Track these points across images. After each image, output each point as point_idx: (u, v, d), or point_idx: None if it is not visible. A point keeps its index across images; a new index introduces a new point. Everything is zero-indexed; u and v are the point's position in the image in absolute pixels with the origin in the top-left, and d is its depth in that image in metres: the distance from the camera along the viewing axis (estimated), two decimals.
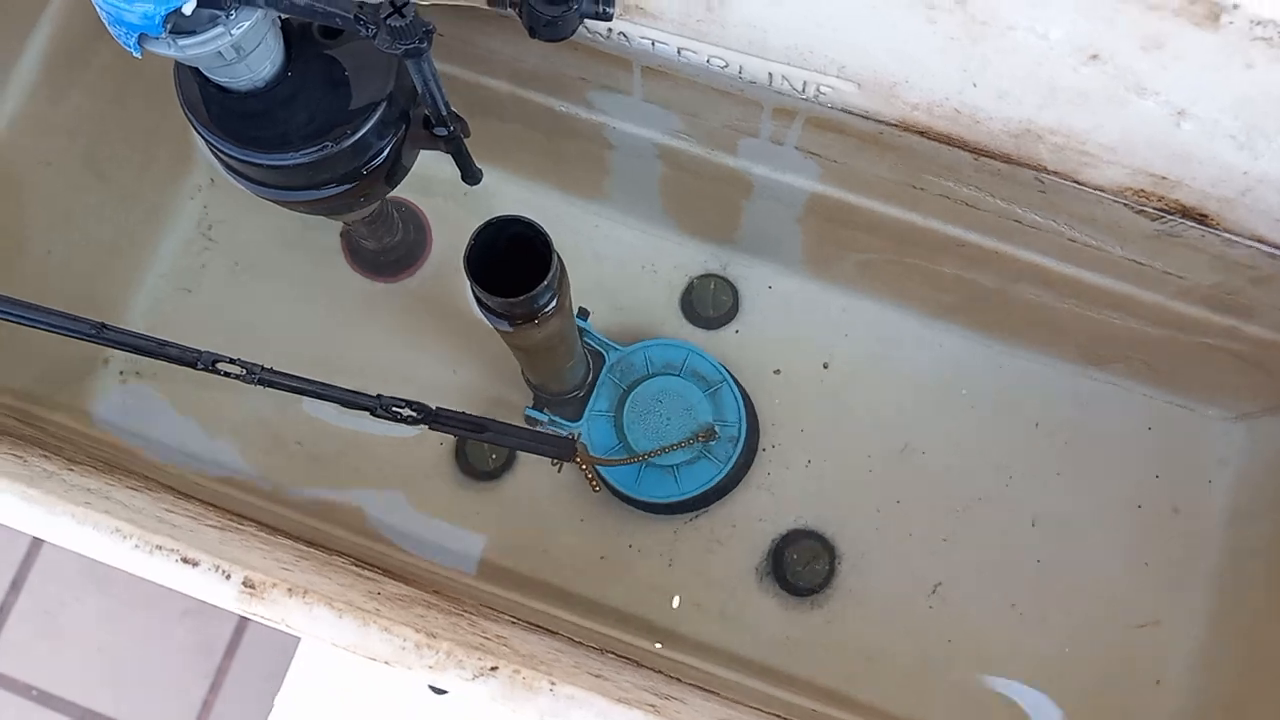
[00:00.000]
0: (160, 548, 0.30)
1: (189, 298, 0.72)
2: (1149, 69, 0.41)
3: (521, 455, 0.71)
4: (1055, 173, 0.49)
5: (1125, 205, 0.49)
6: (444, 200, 0.73)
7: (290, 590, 0.31)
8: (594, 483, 0.61)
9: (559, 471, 0.68)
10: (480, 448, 0.70)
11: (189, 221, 0.73)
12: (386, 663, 0.31)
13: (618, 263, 0.73)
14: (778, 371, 0.72)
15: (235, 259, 0.73)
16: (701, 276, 0.73)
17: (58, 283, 0.65)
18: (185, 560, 0.30)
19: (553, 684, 0.31)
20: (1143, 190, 0.48)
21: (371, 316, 0.72)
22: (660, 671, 0.53)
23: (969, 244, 0.59)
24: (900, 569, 0.68)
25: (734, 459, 0.68)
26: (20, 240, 0.62)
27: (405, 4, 0.40)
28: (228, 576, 0.30)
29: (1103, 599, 0.67)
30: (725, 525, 0.70)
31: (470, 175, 0.55)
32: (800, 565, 0.69)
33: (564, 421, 0.67)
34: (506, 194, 0.73)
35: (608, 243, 0.73)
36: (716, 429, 0.67)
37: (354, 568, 0.44)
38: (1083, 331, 0.64)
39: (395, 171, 0.52)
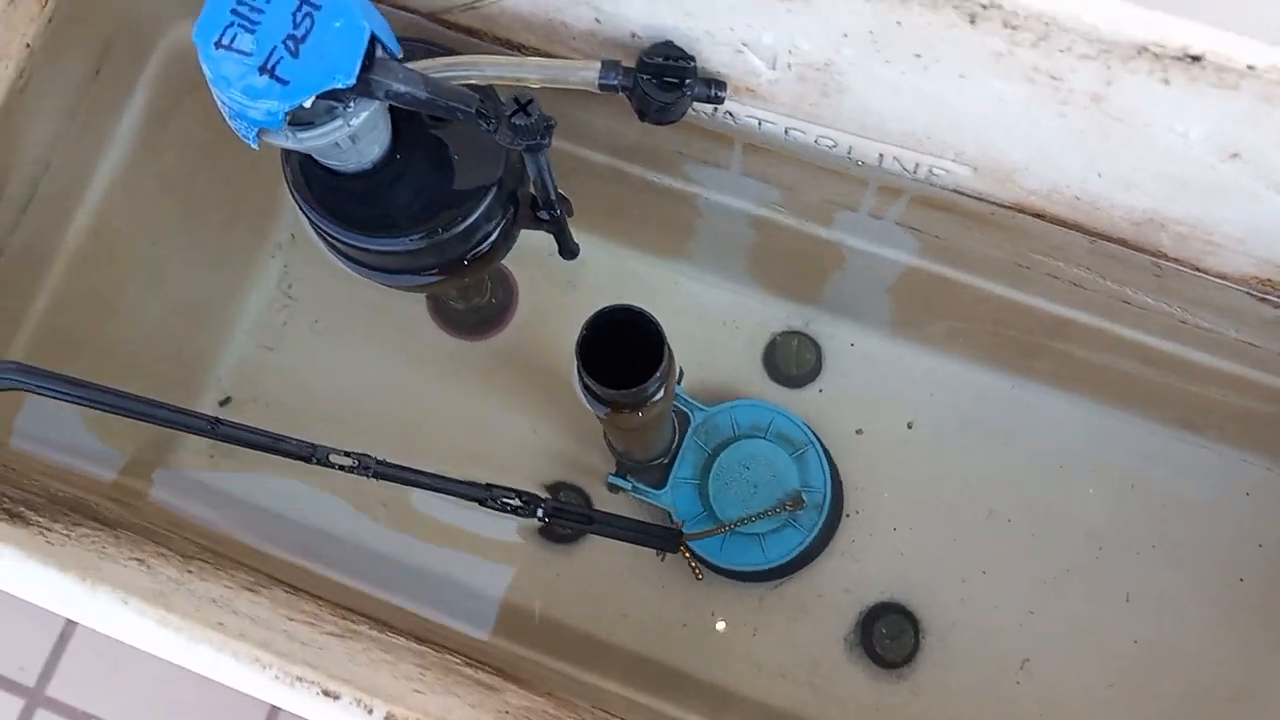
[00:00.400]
0: (300, 679, 0.30)
1: (271, 355, 0.72)
2: None
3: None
4: (1175, 259, 0.48)
5: (1248, 293, 0.48)
6: (531, 259, 0.72)
7: None
8: (697, 571, 0.60)
9: (662, 561, 0.67)
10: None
11: (270, 279, 0.73)
12: None
13: (698, 319, 0.72)
14: (860, 431, 0.70)
15: (315, 316, 0.73)
16: (784, 334, 0.72)
17: (147, 344, 0.65)
18: (326, 693, 0.30)
19: None
20: (1269, 280, 0.46)
21: (454, 375, 0.72)
22: None
23: (1071, 321, 0.57)
24: (987, 643, 0.67)
25: (819, 525, 0.67)
26: (114, 303, 0.63)
27: (530, 102, 0.40)
28: (370, 711, 0.30)
29: (1201, 675, 0.66)
30: (811, 594, 0.68)
31: (568, 251, 0.55)
32: (888, 638, 0.67)
33: (647, 488, 0.67)
34: (587, 252, 0.72)
35: (688, 299, 0.72)
36: (804, 497, 0.66)
37: (469, 668, 0.43)
38: (1183, 402, 0.63)
39: (502, 248, 0.51)
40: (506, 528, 0.70)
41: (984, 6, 0.37)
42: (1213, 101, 0.37)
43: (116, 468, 0.62)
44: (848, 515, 0.69)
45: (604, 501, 0.70)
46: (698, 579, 0.62)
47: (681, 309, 0.73)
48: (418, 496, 0.70)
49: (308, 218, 0.48)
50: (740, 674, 0.67)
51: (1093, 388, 0.66)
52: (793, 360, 0.72)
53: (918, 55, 0.41)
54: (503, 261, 0.72)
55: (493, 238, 0.49)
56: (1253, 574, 0.67)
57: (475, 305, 0.69)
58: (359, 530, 0.70)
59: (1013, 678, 0.66)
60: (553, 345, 0.73)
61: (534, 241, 0.54)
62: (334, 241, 0.49)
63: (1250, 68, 0.35)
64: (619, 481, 0.67)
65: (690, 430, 0.67)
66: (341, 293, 0.73)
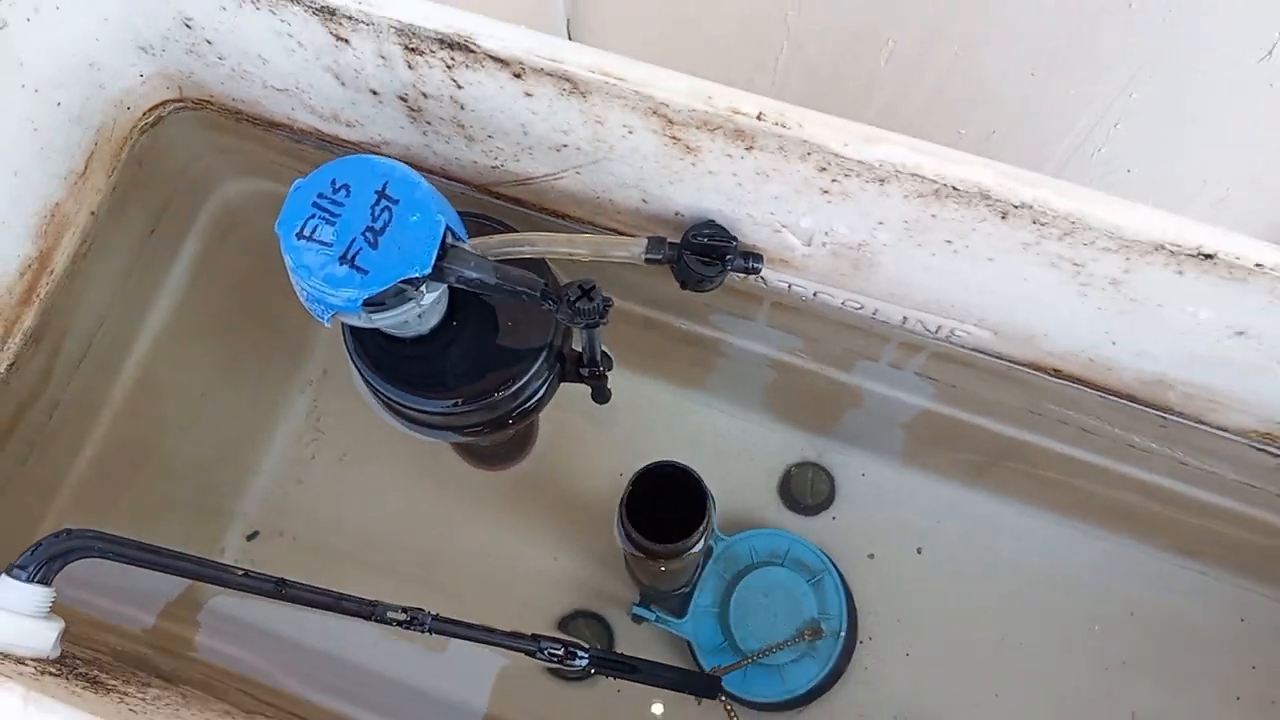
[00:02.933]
0: None
1: (298, 488, 0.74)
2: None
3: (619, 646, 0.71)
4: (1180, 414, 0.51)
5: (1248, 444, 0.51)
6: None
7: None
8: (733, 714, 0.62)
9: (699, 705, 0.68)
10: (577, 637, 0.71)
11: (300, 413, 0.75)
12: None
13: (716, 449, 0.75)
14: (872, 556, 0.73)
15: (343, 450, 0.74)
16: (799, 464, 0.75)
17: (180, 481, 0.67)
18: None
19: None
20: (1269, 434, 0.50)
21: (476, 504, 0.74)
22: None
23: (1078, 460, 0.61)
24: None
25: (836, 655, 0.69)
26: (153, 447, 0.64)
27: (592, 288, 0.43)
28: None
29: None
30: None
31: (602, 397, 0.57)
32: None
33: (669, 617, 0.68)
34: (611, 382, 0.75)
35: (706, 429, 0.75)
36: (823, 626, 0.68)
37: None
38: (1183, 532, 0.66)
39: (541, 407, 0.54)
40: (523, 669, 0.71)
41: (1015, 206, 0.40)
42: (1223, 292, 0.41)
43: (157, 610, 0.63)
44: (861, 641, 0.71)
45: (625, 629, 0.72)
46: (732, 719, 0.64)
47: (699, 440, 0.75)
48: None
49: (368, 383, 0.50)
50: None
51: (1097, 518, 0.70)
52: (808, 490, 0.75)
53: (949, 241, 0.44)
54: None
55: (539, 395, 0.52)
56: (1248, 693, 0.69)
57: (498, 440, 0.71)
58: (390, 657, 0.70)
59: None
60: (572, 474, 0.75)
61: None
62: (387, 399, 0.51)
63: (1259, 265, 0.39)
64: (643, 612, 0.69)
65: (711, 560, 0.69)
66: (368, 426, 0.75)
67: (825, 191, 0.43)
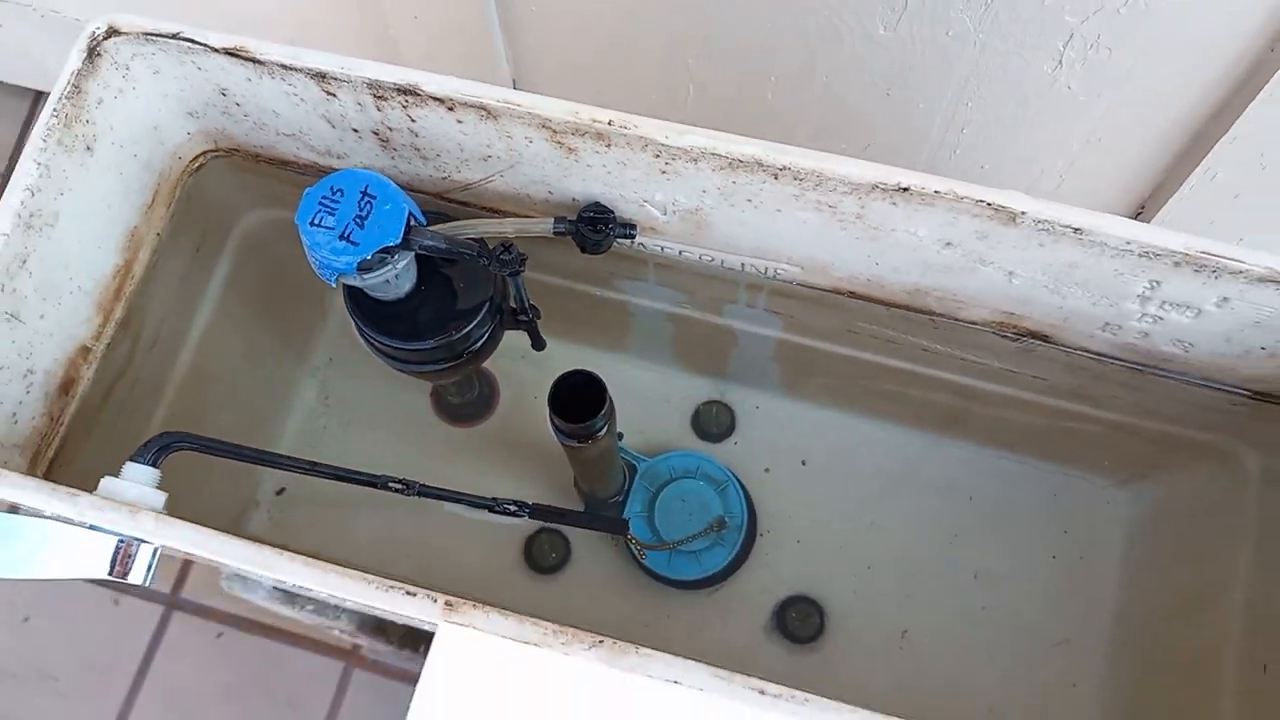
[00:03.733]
0: (392, 588, 0.51)
1: (314, 452, 0.94)
2: (983, 248, 0.64)
3: (576, 551, 0.91)
4: (941, 315, 0.72)
5: (993, 333, 0.72)
6: (509, 361, 0.96)
7: (474, 607, 0.52)
8: (640, 553, 0.82)
9: (616, 543, 0.88)
10: (542, 546, 0.91)
11: (312, 393, 0.95)
12: (536, 644, 0.52)
13: (639, 398, 0.95)
14: (767, 470, 0.93)
15: (348, 419, 0.95)
16: (705, 403, 0.96)
17: None
18: (409, 592, 0.51)
19: (637, 650, 0.51)
20: (1002, 322, 0.71)
21: (456, 455, 0.94)
22: None
23: (895, 369, 0.81)
24: (875, 620, 0.88)
25: (739, 543, 0.88)
26: (202, 417, 0.84)
27: (510, 245, 0.64)
28: (434, 600, 0.51)
29: (1031, 630, 0.87)
30: (737, 596, 0.90)
31: (538, 344, 0.77)
32: (799, 621, 0.88)
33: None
34: (555, 352, 0.95)
35: (632, 382, 0.96)
36: (726, 520, 0.88)
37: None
38: (991, 424, 0.86)
39: (491, 346, 0.74)
40: (500, 566, 0.91)
41: (780, 169, 0.61)
42: (924, 214, 0.62)
43: None
44: (761, 534, 0.91)
45: (578, 539, 0.92)
46: (642, 559, 0.84)
47: (626, 389, 0.95)
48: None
49: (359, 330, 0.71)
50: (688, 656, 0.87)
51: (929, 420, 0.90)
52: (713, 421, 0.95)
53: (749, 200, 0.65)
54: (486, 365, 0.96)
55: (485, 337, 0.72)
56: (1061, 552, 0.89)
57: (468, 399, 0.91)
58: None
59: (897, 644, 0.88)
60: (529, 427, 0.95)
61: (511, 348, 0.77)
62: (377, 344, 0.71)
63: (936, 192, 0.60)
64: None
65: (638, 476, 0.90)
66: (366, 400, 0.96)
67: (663, 172, 0.64)
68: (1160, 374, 0.71)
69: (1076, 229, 0.59)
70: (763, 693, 0.50)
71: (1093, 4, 0.93)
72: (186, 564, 1.62)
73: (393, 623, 1.07)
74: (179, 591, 1.58)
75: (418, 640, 1.10)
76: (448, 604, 0.53)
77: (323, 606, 1.00)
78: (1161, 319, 0.65)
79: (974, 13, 0.98)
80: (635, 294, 0.83)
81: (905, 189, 0.60)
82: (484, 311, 0.71)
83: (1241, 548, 0.73)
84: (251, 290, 0.86)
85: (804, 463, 0.93)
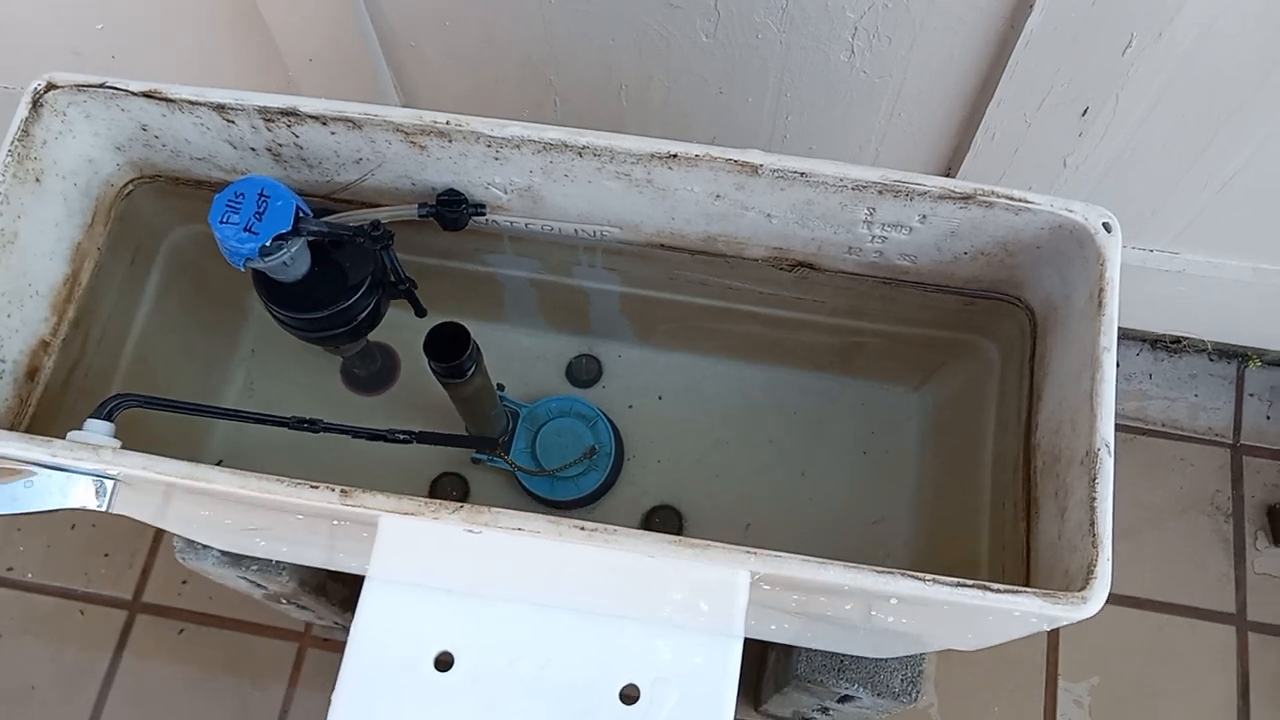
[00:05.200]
0: (298, 483, 0.69)
1: (244, 429, 1.11)
2: (743, 197, 0.83)
3: (474, 487, 1.09)
4: (731, 255, 0.91)
5: (772, 266, 0.91)
6: (407, 336, 1.13)
7: (364, 491, 0.70)
8: (515, 469, 1.00)
9: (509, 479, 1.06)
10: (444, 486, 1.09)
11: (240, 380, 1.12)
12: (414, 514, 0.69)
13: (521, 357, 1.14)
14: (630, 406, 1.12)
15: (270, 398, 1.12)
16: (576, 356, 1.14)
17: (167, 426, 1.03)
18: (312, 486, 0.69)
19: (489, 509, 0.70)
20: (775, 256, 0.90)
21: (368, 421, 1.11)
22: None
23: (713, 307, 1.00)
24: (725, 518, 1.07)
25: (609, 467, 1.07)
26: None
27: (379, 224, 0.82)
28: (333, 490, 0.69)
29: (851, 513, 1.07)
30: (613, 511, 1.08)
31: (419, 312, 0.95)
32: (662, 525, 1.07)
33: (498, 459, 1.06)
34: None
35: (512, 345, 1.14)
36: (597, 448, 1.07)
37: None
38: (800, 349, 1.06)
39: (376, 316, 0.92)
40: None
41: (582, 148, 0.80)
42: (690, 174, 0.81)
43: None
44: (629, 459, 1.10)
45: (476, 478, 1.10)
46: (516, 471, 1.02)
47: (508, 352, 1.14)
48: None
49: (267, 308, 0.88)
50: None
51: (752, 352, 1.09)
52: (584, 371, 1.14)
53: (566, 175, 0.84)
54: (386, 340, 1.13)
55: (371, 306, 0.90)
56: (871, 448, 1.09)
57: (371, 370, 1.09)
58: None
59: (741, 535, 1.06)
60: (427, 391, 1.13)
61: (408, 325, 0.94)
62: (283, 318, 0.89)
63: (697, 156, 0.79)
64: (480, 457, 1.06)
65: (520, 420, 1.08)
66: (286, 382, 1.13)
67: (496, 158, 0.83)
68: (903, 283, 0.91)
69: (802, 173, 0.79)
70: (582, 529, 0.68)
71: (865, 2, 1.14)
72: (147, 569, 1.77)
73: (331, 583, 1.24)
74: (140, 596, 1.73)
75: (354, 601, 1.27)
76: (344, 491, 0.70)
77: (265, 564, 1.16)
78: (886, 238, 0.85)
79: (774, 16, 1.18)
80: (499, 265, 1.01)
81: (674, 155, 0.80)
82: (367, 284, 0.89)
83: (987, 417, 0.93)
84: (182, 293, 1.03)
85: (660, 397, 1.12)
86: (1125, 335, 1.89)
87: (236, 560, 1.14)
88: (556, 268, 1.00)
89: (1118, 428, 1.77)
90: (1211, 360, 1.87)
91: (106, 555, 1.73)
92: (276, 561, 1.17)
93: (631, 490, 1.09)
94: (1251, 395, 1.86)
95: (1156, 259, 1.52)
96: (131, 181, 0.93)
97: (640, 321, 1.09)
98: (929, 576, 0.67)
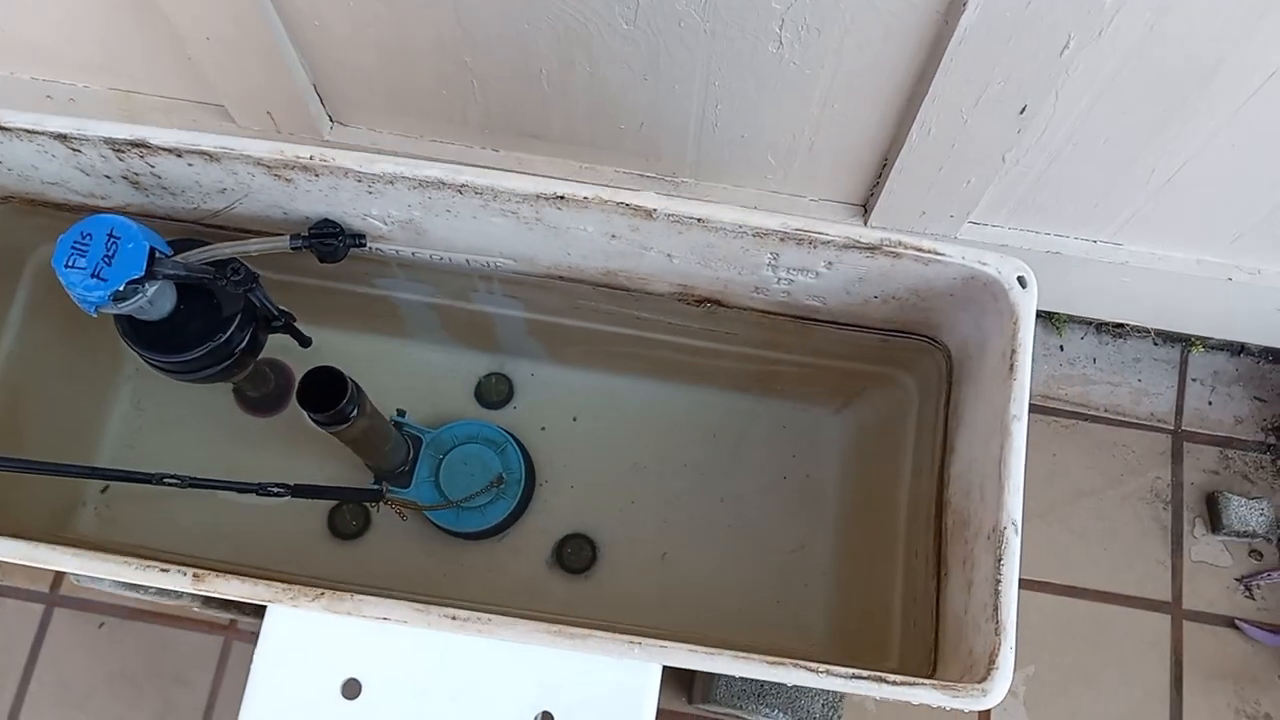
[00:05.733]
0: (148, 566, 0.63)
1: (132, 451, 1.04)
2: (640, 238, 0.77)
3: (375, 518, 1.04)
4: (635, 289, 0.85)
5: (678, 300, 0.86)
6: (300, 356, 1.07)
7: (217, 576, 0.64)
8: (402, 515, 0.95)
9: (378, 511, 1.01)
10: (344, 516, 1.03)
11: (125, 400, 1.05)
12: (272, 602, 0.64)
13: (426, 376, 1.08)
14: (544, 428, 1.07)
15: (161, 419, 1.06)
16: (486, 375, 1.08)
17: (46, 454, 0.97)
18: (162, 569, 0.63)
19: (352, 596, 0.64)
20: (680, 292, 0.84)
21: (263, 443, 1.05)
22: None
23: (623, 334, 0.95)
24: (640, 547, 1.03)
25: (519, 495, 1.02)
26: (21, 429, 0.95)
27: (240, 267, 0.75)
28: (184, 574, 0.63)
29: (770, 540, 1.03)
30: (522, 540, 1.03)
31: (302, 343, 0.89)
32: (573, 555, 1.03)
33: (397, 489, 1.01)
34: (340, 345, 1.07)
35: (416, 363, 1.08)
36: (504, 476, 1.02)
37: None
38: (718, 371, 1.01)
39: (254, 349, 0.85)
40: (304, 536, 1.03)
41: (461, 185, 0.74)
42: (584, 214, 0.75)
43: None
44: (541, 484, 1.05)
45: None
46: (403, 520, 0.97)
47: (414, 372, 1.08)
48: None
49: (134, 350, 0.82)
50: (484, 597, 1.01)
51: (670, 373, 1.04)
52: (494, 391, 1.08)
53: (448, 210, 0.77)
54: (280, 358, 1.07)
55: (244, 343, 0.83)
56: (791, 472, 1.05)
57: (264, 392, 1.03)
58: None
59: (658, 565, 1.02)
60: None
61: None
62: (151, 362, 0.82)
63: (587, 198, 0.73)
64: (391, 490, 1.01)
65: (424, 446, 1.02)
66: (176, 401, 1.06)
67: (370, 192, 0.76)
68: (815, 322, 0.85)
69: (699, 219, 0.73)
70: (454, 618, 0.63)
71: None
72: None
73: None
74: (57, 589, 1.67)
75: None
76: (195, 575, 0.65)
77: (161, 589, 1.11)
78: (793, 280, 0.79)
79: (697, 5, 1.10)
80: (393, 289, 0.94)
81: (562, 196, 0.73)
82: (237, 320, 0.82)
83: (904, 455, 0.89)
84: (54, 314, 0.96)
85: (575, 419, 1.07)
86: (1070, 320, 1.85)
87: (132, 585, 1.09)
88: (455, 293, 0.94)
89: (1060, 413, 1.73)
90: (1155, 345, 1.84)
91: None
92: None
93: (543, 519, 1.04)
94: (1194, 380, 1.84)
95: (1100, 250, 1.48)
96: None
97: (552, 342, 1.03)
98: (822, 667, 0.63)
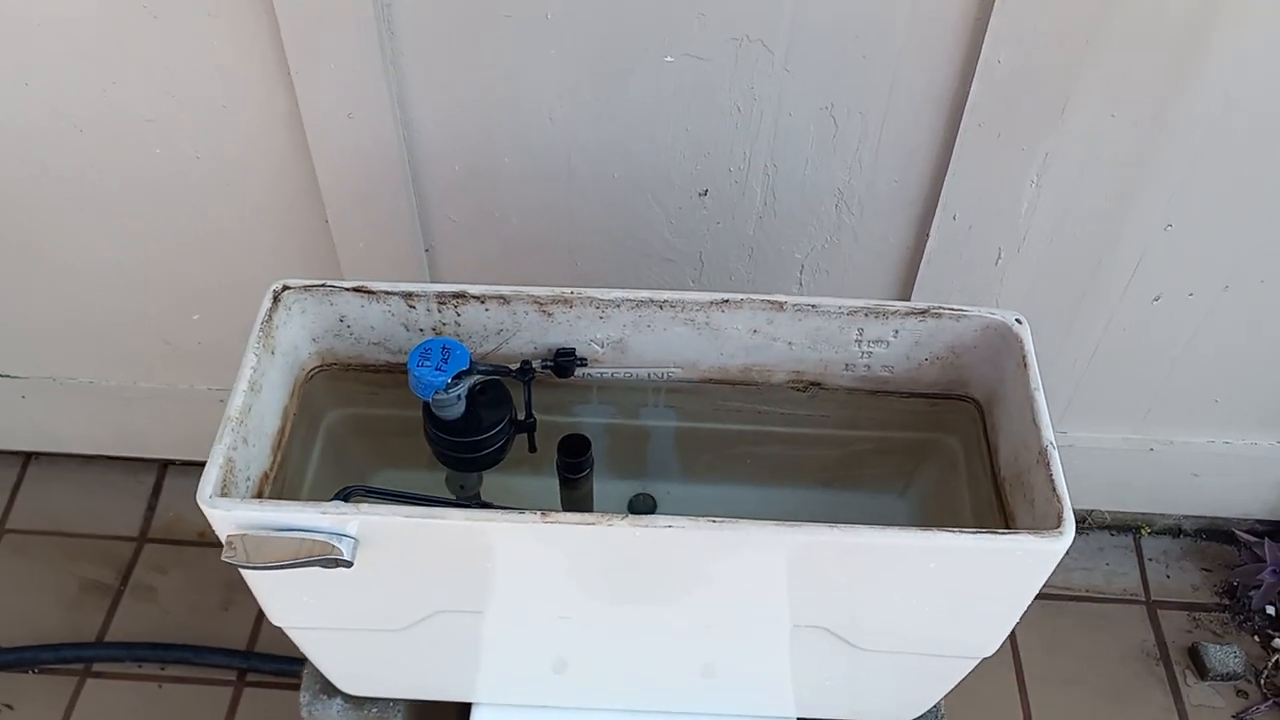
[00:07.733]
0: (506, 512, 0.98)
1: None
2: (772, 329, 1.20)
3: None
4: (761, 382, 1.27)
5: (791, 386, 1.27)
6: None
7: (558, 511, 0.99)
8: None
9: None
10: None
11: None
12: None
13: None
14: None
15: None
16: (634, 495, 1.44)
17: None
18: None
19: None
20: (793, 380, 1.26)
21: None
22: None
23: (745, 431, 1.34)
24: None
25: None
26: None
27: (527, 363, 1.16)
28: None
29: None
30: None
31: (532, 448, 1.27)
32: None
33: None
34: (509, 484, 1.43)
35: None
36: None
37: None
38: (812, 464, 1.40)
39: (502, 453, 1.22)
40: None
41: (664, 302, 1.18)
42: (738, 314, 1.19)
43: None
44: None
45: None
46: None
47: None
48: None
49: (430, 433, 1.19)
50: None
51: (773, 474, 1.42)
52: (642, 507, 1.44)
53: (649, 325, 1.20)
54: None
55: (501, 443, 1.21)
56: None
57: (467, 495, 1.37)
58: None
59: None
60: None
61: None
62: (439, 440, 1.19)
63: (742, 299, 1.17)
64: None
65: None
66: None
67: (601, 317, 1.19)
68: (885, 393, 1.27)
69: (813, 305, 1.17)
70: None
71: (808, 245, 1.58)
72: None
73: None
74: None
75: None
76: (543, 513, 1.00)
77: (383, 707, 1.37)
78: (871, 353, 1.22)
79: (743, 262, 1.62)
80: (584, 414, 1.34)
81: (726, 300, 1.18)
82: (505, 420, 1.21)
83: (962, 497, 1.27)
84: (340, 463, 1.33)
85: None
86: None
87: (359, 704, 1.36)
88: (629, 410, 1.34)
89: (1049, 598, 2.15)
90: (1112, 535, 2.28)
91: None
92: (393, 703, 1.38)
93: None
94: (1151, 559, 2.24)
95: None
96: (315, 369, 1.26)
97: (688, 451, 1.41)
98: (952, 528, 0.98)
